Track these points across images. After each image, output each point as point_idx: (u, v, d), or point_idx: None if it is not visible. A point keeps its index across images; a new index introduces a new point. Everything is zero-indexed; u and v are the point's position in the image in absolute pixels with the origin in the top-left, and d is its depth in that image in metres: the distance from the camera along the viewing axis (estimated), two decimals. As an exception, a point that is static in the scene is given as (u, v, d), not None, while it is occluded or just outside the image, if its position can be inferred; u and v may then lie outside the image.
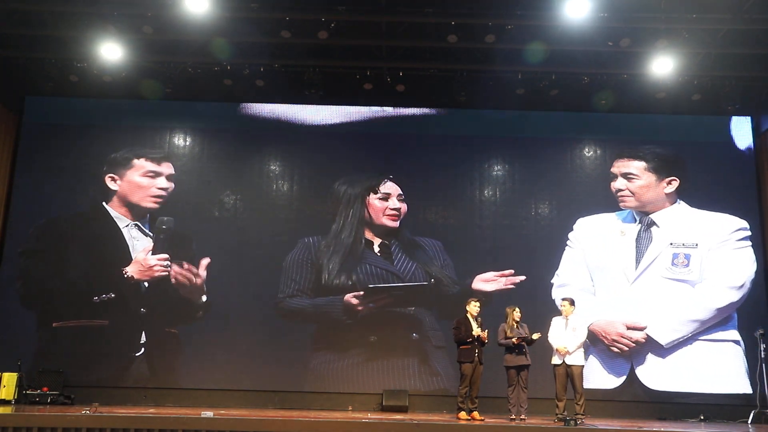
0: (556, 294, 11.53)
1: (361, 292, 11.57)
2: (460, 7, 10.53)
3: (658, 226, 11.76)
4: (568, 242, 11.91)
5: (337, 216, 11.97)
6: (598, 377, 11.28)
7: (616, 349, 11.40)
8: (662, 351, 11.37)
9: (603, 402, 11.04)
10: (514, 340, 8.79)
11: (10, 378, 10.75)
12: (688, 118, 12.39)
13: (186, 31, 10.89)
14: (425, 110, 12.50)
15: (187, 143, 12.45)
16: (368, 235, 11.89)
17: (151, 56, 11.63)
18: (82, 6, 10.56)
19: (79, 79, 11.91)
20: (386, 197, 11.98)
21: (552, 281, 11.71)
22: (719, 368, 11.32)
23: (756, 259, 11.73)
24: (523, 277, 11.57)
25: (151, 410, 9.22)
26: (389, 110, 12.49)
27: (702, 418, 10.67)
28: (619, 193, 11.94)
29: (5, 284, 11.74)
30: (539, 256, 11.87)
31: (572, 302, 8.97)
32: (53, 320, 11.53)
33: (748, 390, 11.11)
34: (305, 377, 11.46)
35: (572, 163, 12.42)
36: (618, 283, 11.62)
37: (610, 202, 12.05)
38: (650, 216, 11.82)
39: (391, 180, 12.06)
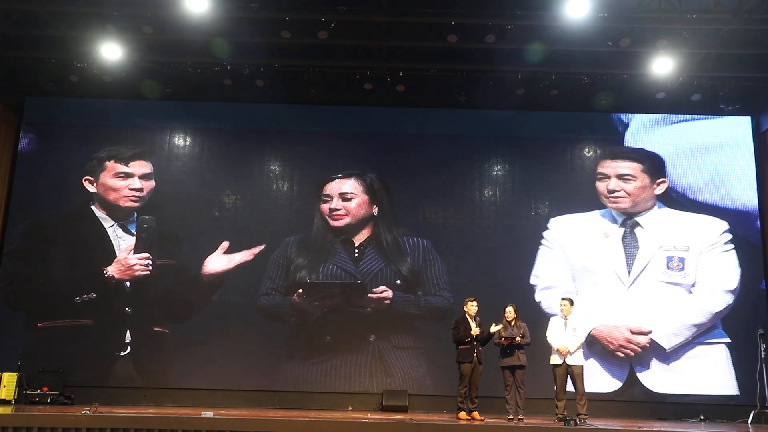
0: (542, 296, 11.52)
1: (300, 290, 11.55)
2: (460, 7, 10.52)
3: (642, 228, 11.72)
4: (543, 242, 11.84)
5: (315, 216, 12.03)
6: (596, 381, 11.16)
7: (622, 354, 11.33)
8: (662, 355, 11.36)
9: (603, 402, 11.02)
10: (502, 340, 8.77)
11: (10, 378, 10.74)
12: (687, 118, 12.37)
13: (186, 31, 10.88)
14: (425, 110, 12.48)
15: (187, 143, 12.45)
16: (348, 234, 11.82)
17: (151, 56, 11.63)
18: (82, 6, 10.55)
19: (79, 79, 11.89)
20: (328, 199, 11.93)
21: (532, 282, 11.65)
22: (716, 370, 11.32)
23: (756, 259, 11.75)
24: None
25: (151, 410, 9.23)
26: (389, 110, 12.46)
27: (702, 418, 10.66)
28: (613, 194, 11.83)
29: (5, 284, 11.71)
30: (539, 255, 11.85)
31: (572, 302, 8.97)
32: (40, 321, 11.47)
33: (736, 392, 11.22)
34: (305, 377, 11.45)
35: (572, 163, 12.41)
36: (613, 286, 11.57)
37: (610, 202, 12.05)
38: (634, 218, 11.77)
39: (340, 177, 11.94)
